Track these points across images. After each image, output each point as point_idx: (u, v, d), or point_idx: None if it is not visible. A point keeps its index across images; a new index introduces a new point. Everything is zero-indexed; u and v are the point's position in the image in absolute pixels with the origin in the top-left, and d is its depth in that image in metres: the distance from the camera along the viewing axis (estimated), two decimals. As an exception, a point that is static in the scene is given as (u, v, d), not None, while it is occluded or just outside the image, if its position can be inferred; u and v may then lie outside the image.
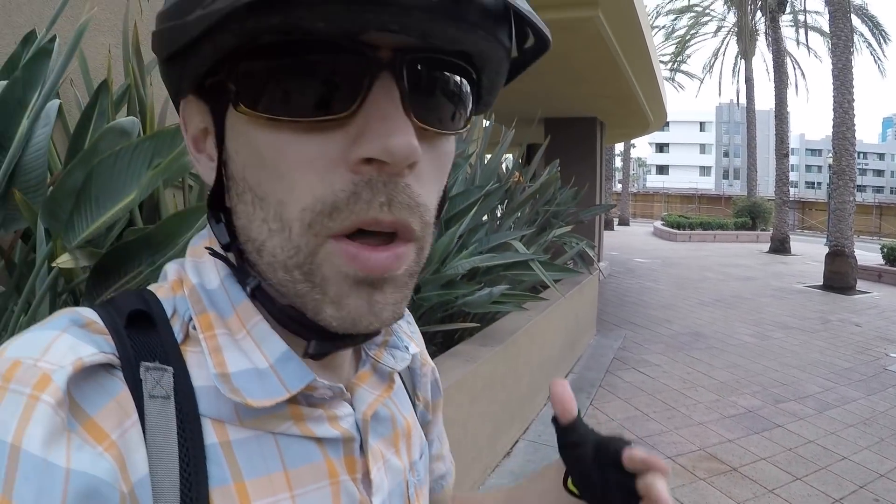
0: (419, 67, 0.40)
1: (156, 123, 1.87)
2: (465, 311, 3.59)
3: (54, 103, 1.33)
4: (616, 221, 29.62)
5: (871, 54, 24.07)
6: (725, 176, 70.73)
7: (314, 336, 0.44)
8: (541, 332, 4.55)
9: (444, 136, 0.44)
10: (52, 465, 0.33)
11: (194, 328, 0.45)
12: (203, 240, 0.50)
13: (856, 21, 19.75)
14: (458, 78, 0.43)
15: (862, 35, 23.23)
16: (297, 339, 0.45)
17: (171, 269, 0.50)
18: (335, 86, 0.38)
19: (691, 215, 28.61)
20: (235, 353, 0.44)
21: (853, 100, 13.11)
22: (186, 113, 0.47)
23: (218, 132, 0.44)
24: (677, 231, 23.58)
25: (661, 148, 75.04)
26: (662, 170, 75.04)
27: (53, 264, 1.12)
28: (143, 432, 0.38)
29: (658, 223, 27.50)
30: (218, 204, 0.46)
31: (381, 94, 0.38)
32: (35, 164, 1.27)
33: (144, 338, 0.42)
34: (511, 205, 4.80)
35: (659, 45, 29.57)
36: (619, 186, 34.94)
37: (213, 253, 0.48)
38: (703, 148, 74.09)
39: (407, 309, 0.63)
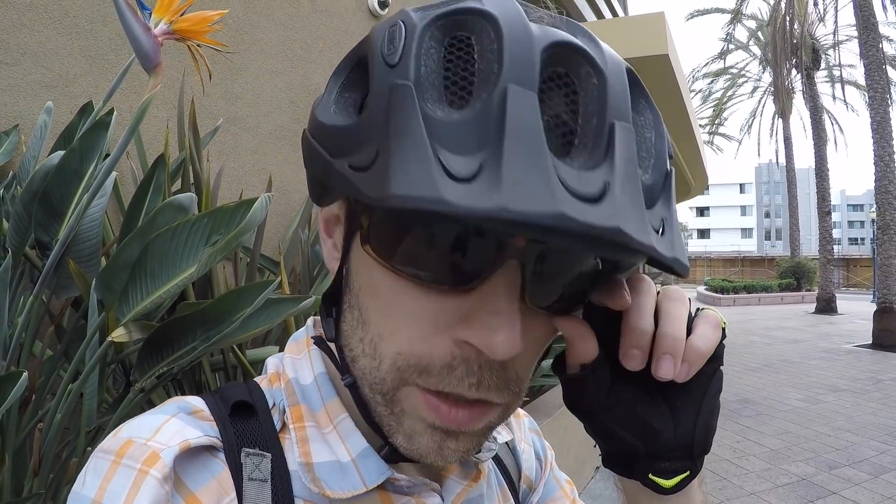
0: (547, 256, 0.39)
1: (210, 197, 1.90)
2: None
3: (112, 175, 1.31)
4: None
5: (910, 104, 23.61)
6: (767, 237, 69.54)
7: (388, 443, 0.45)
8: (587, 403, 4.51)
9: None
10: None
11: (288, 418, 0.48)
12: (300, 339, 0.53)
13: (891, 72, 19.62)
14: (586, 265, 0.42)
15: (898, 85, 22.98)
16: (375, 436, 0.46)
17: (270, 363, 0.54)
18: (461, 259, 0.38)
19: (735, 278, 28.27)
20: (321, 445, 0.46)
21: (894, 152, 13.00)
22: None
23: (346, 243, 0.45)
24: (721, 295, 23.24)
25: (702, 212, 74.44)
26: (704, 234, 74.18)
27: (109, 338, 1.12)
28: None
29: (701, 288, 27.13)
30: (332, 299, 0.47)
31: (501, 281, 0.38)
32: (89, 234, 1.28)
33: (246, 425, 0.46)
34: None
35: (696, 109, 29.76)
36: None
37: (319, 342, 0.51)
38: (743, 210, 73.25)
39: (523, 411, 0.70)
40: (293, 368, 0.51)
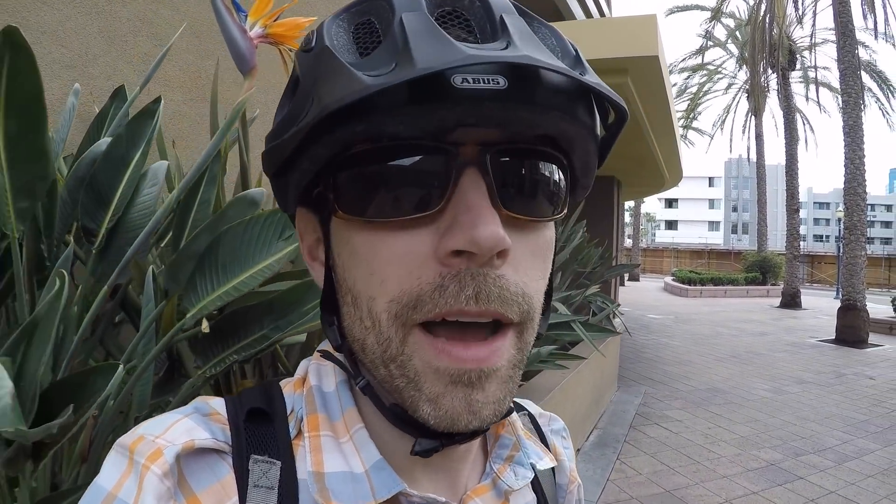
0: (505, 159, 0.40)
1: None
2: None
3: (163, 164, 1.35)
4: (627, 277, 29.59)
5: (880, 108, 24.00)
6: (734, 230, 70.75)
7: (420, 434, 0.44)
8: (573, 389, 4.65)
9: (539, 224, 0.44)
10: None
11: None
12: (328, 346, 0.52)
13: (864, 77, 19.91)
14: (547, 164, 0.43)
15: (870, 90, 23.11)
16: (406, 437, 0.45)
17: (301, 366, 0.53)
18: (423, 185, 0.39)
19: (701, 270, 28.57)
20: (335, 455, 0.45)
21: (864, 156, 13.19)
22: (301, 225, 0.51)
23: (325, 240, 0.46)
24: (688, 286, 23.48)
25: (671, 203, 75.32)
26: (671, 225, 75.15)
27: (201, 329, 1.14)
28: None
29: (669, 279, 27.37)
30: (330, 308, 0.48)
31: (467, 189, 0.39)
32: (140, 223, 1.27)
33: (261, 431, 0.45)
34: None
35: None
36: (629, 242, 35.04)
37: (326, 355, 0.51)
38: (711, 203, 74.33)
39: (564, 423, 0.69)
40: (317, 375, 0.50)
